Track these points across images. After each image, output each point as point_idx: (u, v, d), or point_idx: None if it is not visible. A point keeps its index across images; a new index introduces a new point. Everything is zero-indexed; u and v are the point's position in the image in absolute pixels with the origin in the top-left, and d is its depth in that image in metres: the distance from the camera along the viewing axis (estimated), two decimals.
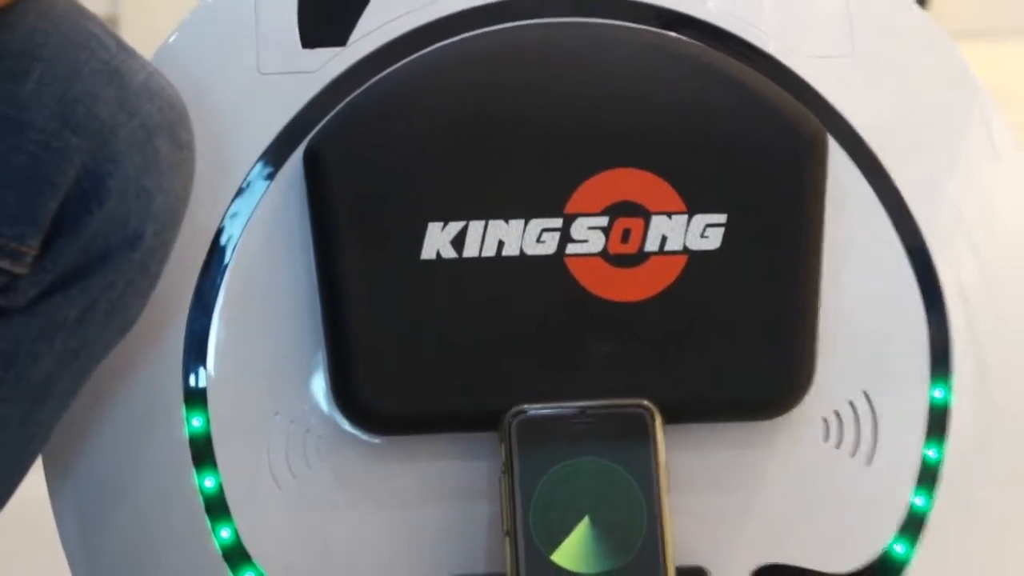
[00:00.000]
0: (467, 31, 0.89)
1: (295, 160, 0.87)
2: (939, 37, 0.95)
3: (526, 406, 0.85)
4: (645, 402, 0.85)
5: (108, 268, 0.76)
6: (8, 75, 0.74)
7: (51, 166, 0.74)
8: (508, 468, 0.84)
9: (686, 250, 0.86)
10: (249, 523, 0.87)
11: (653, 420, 0.85)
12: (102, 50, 0.76)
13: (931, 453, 0.89)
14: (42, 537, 0.91)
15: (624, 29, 0.90)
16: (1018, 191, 0.94)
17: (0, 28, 0.74)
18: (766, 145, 0.87)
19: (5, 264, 0.74)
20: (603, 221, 0.86)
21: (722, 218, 0.86)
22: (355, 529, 0.87)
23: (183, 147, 0.78)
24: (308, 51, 0.89)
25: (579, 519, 0.84)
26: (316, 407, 0.87)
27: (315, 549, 0.87)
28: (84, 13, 0.78)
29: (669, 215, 0.86)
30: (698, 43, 0.90)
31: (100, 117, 0.75)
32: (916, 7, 0.97)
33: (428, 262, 0.86)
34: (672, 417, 0.86)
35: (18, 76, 0.74)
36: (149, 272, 0.79)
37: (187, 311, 0.87)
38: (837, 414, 0.89)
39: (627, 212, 0.86)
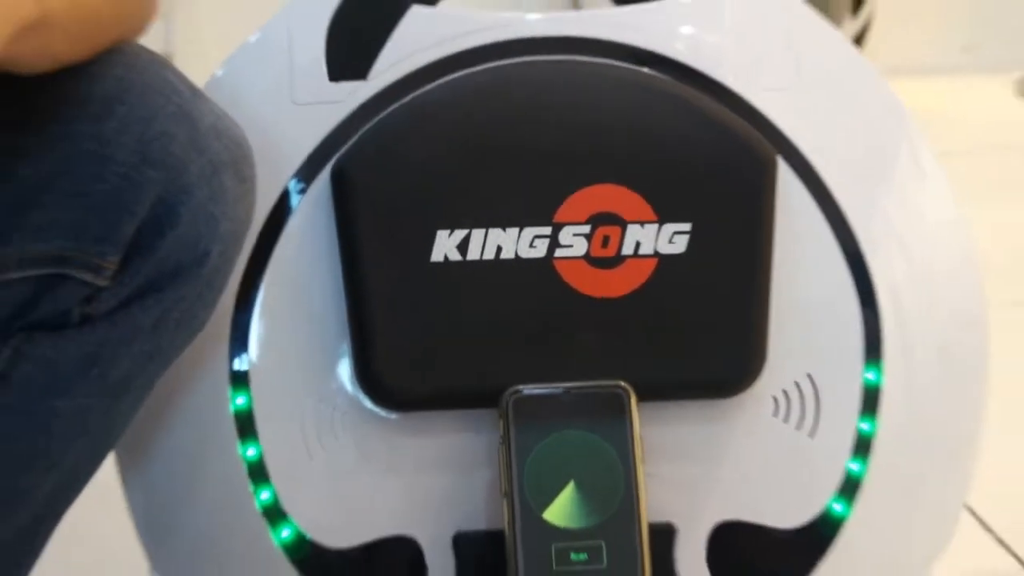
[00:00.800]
0: (470, 67, 0.89)
1: (323, 177, 0.87)
2: (872, 72, 0.95)
3: (521, 386, 0.85)
4: (622, 383, 0.85)
5: (179, 283, 0.76)
6: (96, 117, 0.73)
7: (130, 194, 0.73)
8: (505, 439, 0.84)
9: (657, 254, 0.86)
10: (285, 486, 0.87)
11: (629, 398, 0.85)
12: (177, 96, 0.76)
13: (865, 427, 0.89)
14: (111, 497, 0.90)
15: (605, 66, 0.90)
16: (939, 203, 0.94)
17: (92, 77, 0.74)
18: (725, 164, 0.87)
19: (89, 278, 0.74)
20: (586, 229, 0.86)
21: (687, 226, 0.86)
22: (374, 491, 0.87)
23: (246, 180, 0.78)
24: (335, 84, 0.88)
25: (566, 482, 0.84)
26: (342, 388, 0.87)
27: (341, 508, 0.87)
28: (164, 64, 0.78)
29: (642, 224, 0.86)
30: (667, 78, 0.89)
31: (174, 154, 0.74)
32: (852, 47, 0.97)
33: (437, 264, 0.85)
34: (645, 395, 0.86)
35: (104, 117, 0.74)
36: (214, 286, 0.79)
37: (232, 307, 0.87)
38: (785, 393, 0.89)
39: (606, 221, 0.86)
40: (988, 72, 2.45)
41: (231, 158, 0.77)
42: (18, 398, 0.75)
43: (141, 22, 0.79)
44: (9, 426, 0.75)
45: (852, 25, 2.15)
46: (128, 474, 0.90)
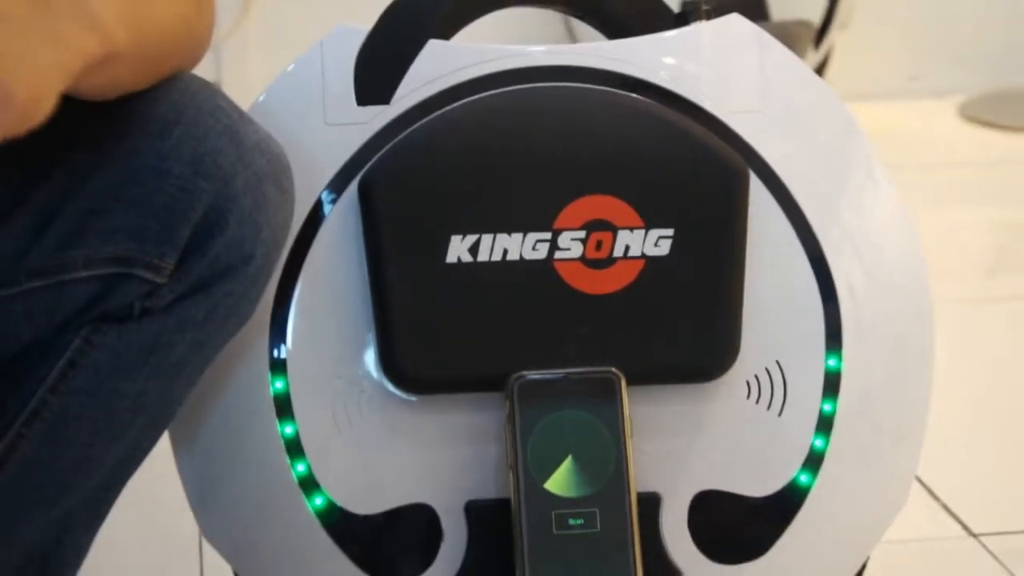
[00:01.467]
0: (480, 93, 0.88)
1: (352, 189, 0.87)
2: (831, 97, 0.94)
3: (525, 372, 0.85)
4: (614, 369, 0.85)
5: (227, 280, 0.76)
6: (156, 135, 0.74)
7: (185, 203, 0.73)
8: (511, 419, 0.84)
9: (644, 256, 0.86)
10: (318, 460, 0.86)
11: (620, 382, 0.85)
12: (225, 117, 0.76)
13: (826, 407, 0.89)
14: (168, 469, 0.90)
15: (598, 92, 0.89)
16: (890, 211, 0.94)
17: (153, 101, 0.74)
18: (703, 177, 0.87)
19: (150, 276, 0.74)
20: (582, 234, 0.86)
21: (671, 232, 0.86)
22: (396, 464, 0.87)
23: (285, 191, 0.78)
24: (361, 108, 0.88)
25: (564, 456, 0.84)
26: (367, 373, 0.86)
27: (366, 478, 0.87)
28: (214, 90, 0.78)
29: (631, 229, 0.86)
30: (652, 102, 0.89)
31: (223, 168, 0.74)
32: (814, 74, 0.97)
33: (451, 265, 0.85)
34: (634, 380, 0.85)
35: (163, 136, 0.74)
36: (258, 284, 0.78)
37: (272, 303, 0.86)
38: (756, 378, 0.88)
39: (600, 227, 0.86)
40: (932, 97, 2.45)
41: (272, 171, 0.76)
42: (87, 381, 0.75)
43: (195, 55, 0.79)
44: (80, 406, 0.75)
45: (814, 57, 2.14)
46: (180, 448, 0.89)
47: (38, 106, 0.63)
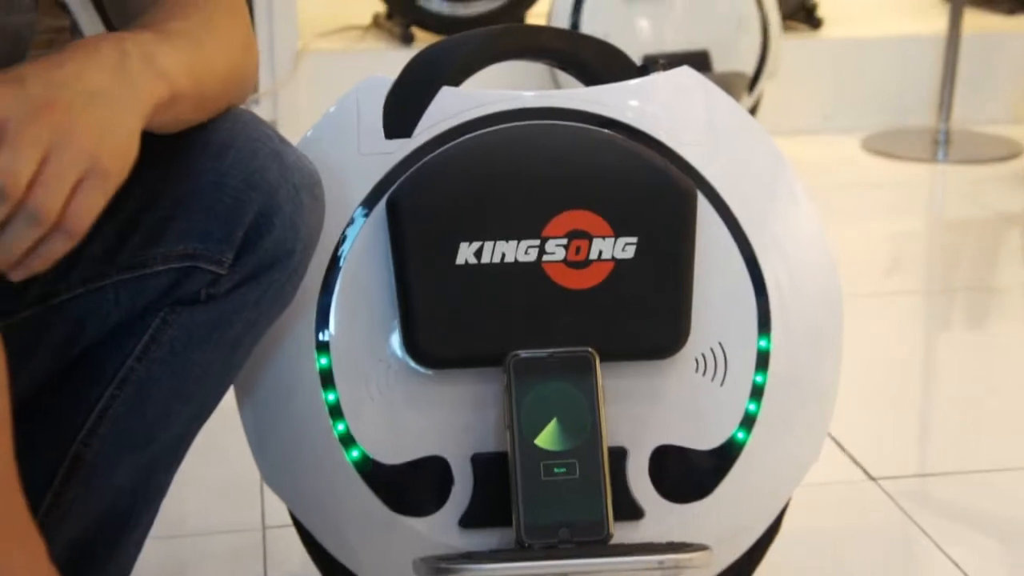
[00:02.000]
0: (483, 129, 0.88)
1: (381, 205, 0.86)
2: (762, 132, 0.94)
3: (519, 351, 0.84)
4: (590, 349, 0.85)
5: (274, 271, 0.75)
6: (215, 157, 0.73)
7: (239, 211, 0.73)
8: (508, 388, 0.84)
9: (614, 258, 0.85)
10: (354, 421, 0.86)
11: (595, 360, 0.84)
12: (269, 141, 0.75)
13: (758, 379, 0.89)
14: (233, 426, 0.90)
15: (577, 127, 0.89)
16: (808, 223, 0.93)
17: (212, 130, 0.74)
18: (660, 195, 0.86)
19: (213, 268, 0.74)
20: (564, 241, 0.85)
21: (635, 239, 0.85)
22: (416, 424, 0.86)
23: (317, 200, 0.77)
24: (389, 140, 0.87)
25: (550, 418, 0.83)
26: (393, 352, 0.86)
27: (393, 435, 0.86)
28: (260, 120, 0.78)
29: (603, 238, 0.85)
30: (620, 136, 0.89)
31: (269, 181, 0.74)
32: (748, 114, 0.97)
33: (460, 266, 0.84)
34: (606, 357, 0.85)
35: (220, 157, 0.73)
36: (298, 274, 0.78)
37: (317, 296, 0.86)
38: (703, 356, 0.88)
39: (579, 236, 0.85)
40: (840, 133, 2.46)
41: (307, 184, 0.76)
42: (165, 353, 0.75)
43: (244, 94, 0.79)
44: (159, 372, 0.76)
45: (748, 100, 2.14)
46: (245, 411, 0.89)
47: (126, 167, 0.63)
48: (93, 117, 0.61)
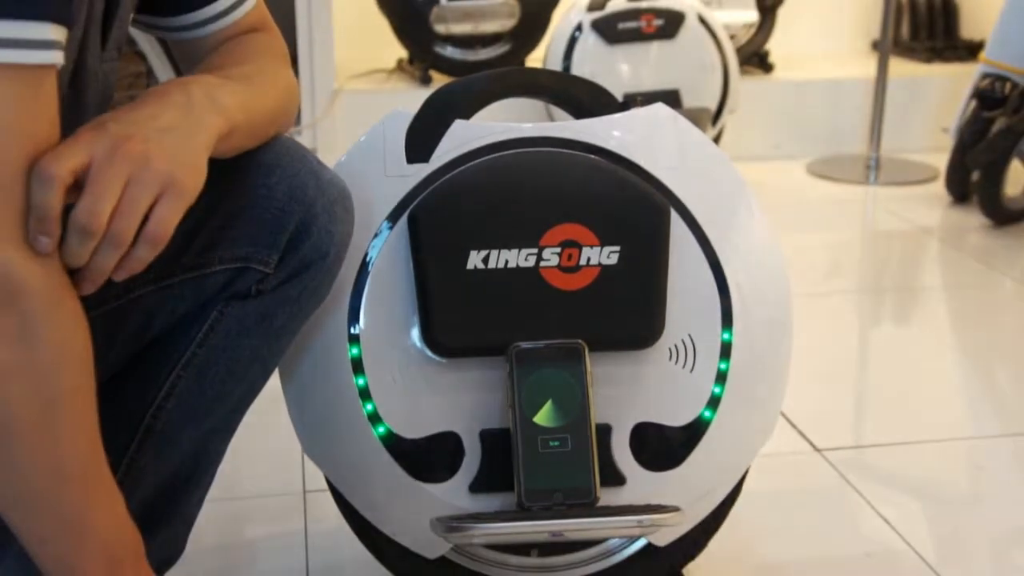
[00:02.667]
0: (488, 155, 0.87)
1: (403, 219, 0.85)
2: (724, 158, 0.93)
3: (519, 343, 0.83)
4: (580, 341, 0.83)
5: (312, 271, 0.75)
6: (264, 175, 0.73)
7: (284, 220, 0.73)
8: (510, 374, 0.82)
9: (600, 264, 0.84)
10: (381, 401, 0.85)
11: (584, 350, 0.83)
12: (308, 163, 0.75)
13: (722, 366, 0.87)
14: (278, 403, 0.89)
15: (569, 153, 0.88)
16: (763, 234, 0.92)
17: (261, 152, 0.74)
18: (639, 211, 0.85)
19: (261, 268, 0.73)
20: (558, 250, 0.84)
21: (618, 248, 0.84)
22: (432, 404, 0.85)
23: (348, 211, 0.77)
24: (410, 164, 0.86)
25: (546, 400, 0.82)
26: (413, 343, 0.85)
27: (413, 414, 0.85)
28: (300, 145, 0.77)
29: (591, 246, 0.84)
30: (605, 161, 0.87)
31: (308, 195, 0.73)
32: (712, 143, 0.96)
33: (470, 270, 0.83)
34: (593, 348, 0.84)
35: (268, 176, 0.73)
36: (332, 273, 0.77)
37: (349, 294, 0.84)
38: (675, 346, 0.87)
39: (570, 245, 0.84)
40: (788, 160, 2.46)
41: (339, 198, 0.76)
42: (221, 339, 0.75)
43: (287, 125, 0.78)
44: (217, 357, 0.75)
45: (712, 131, 2.14)
46: (288, 392, 0.88)
47: (198, 185, 0.64)
48: (166, 145, 0.62)
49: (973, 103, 2.03)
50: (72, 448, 0.62)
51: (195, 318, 0.75)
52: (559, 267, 0.84)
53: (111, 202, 0.59)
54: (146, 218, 0.61)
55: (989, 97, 1.98)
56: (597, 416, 0.84)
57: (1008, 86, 1.97)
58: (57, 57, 0.58)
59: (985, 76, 2.02)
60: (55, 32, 0.57)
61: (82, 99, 0.69)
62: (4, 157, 0.57)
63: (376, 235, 0.85)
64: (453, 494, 0.85)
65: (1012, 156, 1.95)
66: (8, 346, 0.58)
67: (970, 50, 2.61)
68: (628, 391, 0.86)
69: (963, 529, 1.11)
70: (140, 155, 0.60)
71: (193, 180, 0.63)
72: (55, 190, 0.57)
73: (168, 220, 0.61)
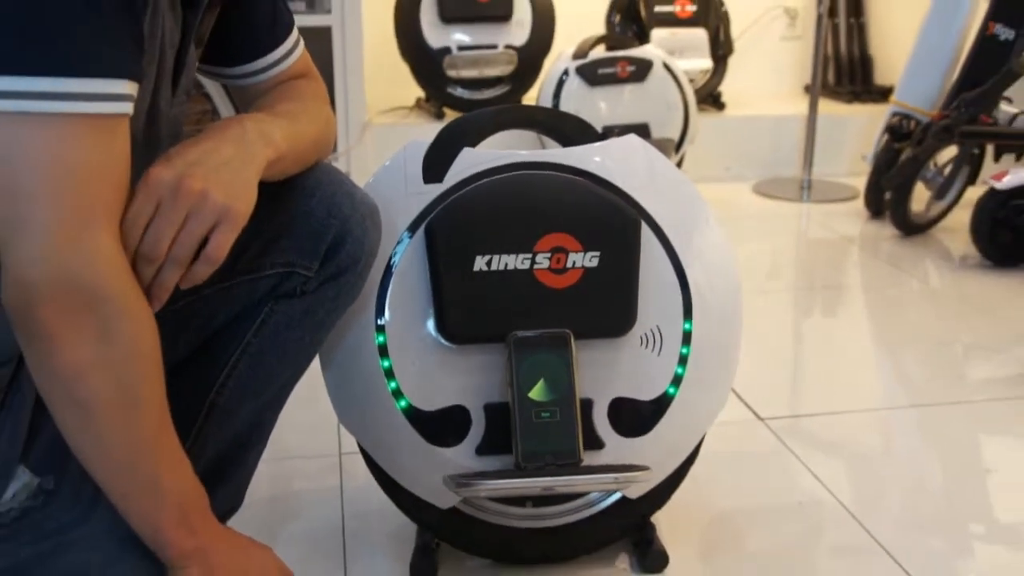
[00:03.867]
0: (491, 177, 0.86)
1: (421, 230, 0.84)
2: (685, 180, 0.91)
3: (517, 332, 0.82)
4: (567, 330, 0.82)
5: (346, 275, 0.74)
6: (306, 196, 0.72)
7: (323, 232, 0.72)
8: (509, 358, 0.81)
9: (583, 267, 0.83)
10: (403, 380, 0.84)
11: (570, 338, 0.82)
12: (344, 185, 0.74)
13: (684, 351, 0.86)
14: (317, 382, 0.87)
15: (559, 175, 0.87)
16: (718, 241, 0.90)
17: (303, 176, 0.73)
18: (616, 222, 0.84)
19: (304, 272, 0.72)
20: (549, 255, 0.83)
21: (598, 253, 0.83)
22: (445, 383, 0.84)
23: (376, 225, 0.76)
24: (426, 184, 0.85)
25: (539, 378, 0.81)
26: (429, 332, 0.84)
27: (429, 390, 0.84)
28: (336, 169, 0.76)
29: (576, 252, 0.83)
30: (588, 181, 0.86)
31: (343, 212, 0.72)
32: (675, 167, 0.94)
33: (476, 271, 0.82)
34: (578, 336, 0.83)
35: (310, 195, 0.72)
36: (362, 278, 0.76)
37: (376, 291, 0.83)
38: (646, 335, 0.86)
39: (559, 251, 0.83)
40: (737, 181, 2.44)
41: (370, 213, 0.75)
42: (272, 330, 0.74)
43: (327, 152, 0.77)
44: (268, 344, 0.74)
45: (675, 157, 2.13)
46: (327, 370, 0.87)
47: (249, 209, 0.63)
48: (222, 179, 0.62)
49: (885, 136, 2.07)
50: (145, 424, 0.62)
51: (250, 313, 0.74)
52: (550, 269, 0.83)
53: (171, 235, 0.60)
54: (206, 240, 0.62)
55: (898, 131, 2.03)
56: (581, 392, 0.83)
57: (913, 123, 2.02)
58: (128, 108, 0.58)
59: (895, 115, 2.06)
60: (128, 87, 0.57)
61: (156, 136, 0.69)
62: (87, 189, 0.57)
63: (398, 243, 0.84)
64: (462, 456, 0.84)
65: (916, 179, 1.97)
66: (91, 344, 0.58)
67: (882, 94, 2.62)
68: (606, 371, 0.85)
69: (876, 481, 1.10)
70: (199, 193, 0.60)
71: (245, 207, 0.62)
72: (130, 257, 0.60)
73: (223, 244, 0.62)
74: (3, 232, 0.55)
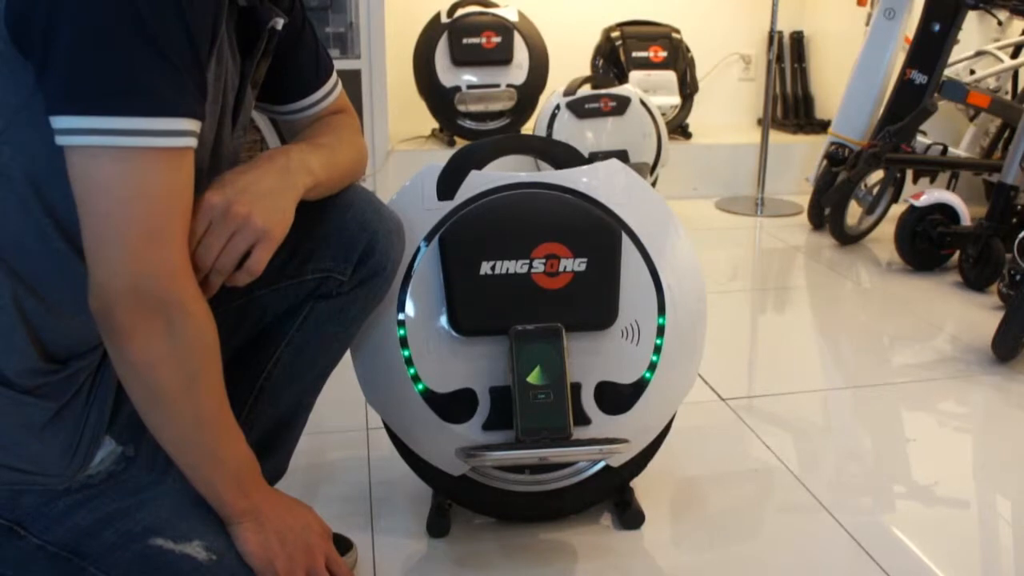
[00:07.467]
0: (495, 195, 0.85)
1: (435, 240, 0.83)
2: (659, 198, 0.90)
3: (517, 325, 0.81)
4: (559, 324, 0.82)
5: (375, 280, 0.73)
6: (341, 212, 0.71)
7: (355, 243, 0.71)
8: (511, 348, 0.81)
9: (573, 271, 0.82)
10: (420, 366, 0.83)
11: (562, 331, 0.81)
12: (373, 202, 0.74)
13: (658, 342, 0.86)
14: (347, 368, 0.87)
15: (553, 193, 0.86)
16: (686, 249, 0.90)
17: (339, 196, 0.72)
18: (600, 233, 0.83)
19: (340, 277, 0.72)
20: (544, 260, 0.82)
21: (586, 260, 0.82)
22: (456, 368, 0.83)
23: (401, 237, 0.76)
24: (440, 201, 0.84)
25: (536, 365, 0.81)
26: (442, 326, 0.83)
27: (442, 375, 0.83)
28: (368, 191, 0.75)
29: (567, 258, 0.82)
30: (577, 199, 0.85)
31: (373, 226, 0.72)
32: (650, 187, 0.94)
33: (482, 275, 0.82)
34: (569, 329, 0.82)
35: (344, 212, 0.71)
36: (389, 281, 0.76)
37: (398, 292, 0.83)
38: (626, 328, 0.85)
39: (552, 257, 0.82)
40: (703, 199, 2.43)
41: (395, 228, 0.74)
42: (312, 326, 0.74)
43: (358, 176, 0.76)
44: (309, 338, 0.74)
45: (650, 179, 2.12)
46: (356, 358, 0.86)
47: (285, 231, 0.63)
48: (264, 206, 0.62)
49: (824, 162, 2.10)
50: (206, 406, 0.62)
51: (294, 311, 0.73)
52: (544, 272, 0.82)
53: (218, 249, 0.61)
54: (248, 254, 0.62)
55: (835, 158, 2.06)
56: (571, 376, 0.82)
57: (847, 151, 2.06)
58: (192, 142, 0.58)
59: (832, 144, 2.09)
60: (192, 124, 0.58)
61: (220, 164, 0.69)
62: (157, 210, 0.57)
63: (416, 251, 0.83)
64: (471, 431, 0.83)
65: (850, 198, 1.99)
66: (161, 341, 0.58)
67: (822, 126, 2.64)
68: (593, 359, 0.84)
69: (818, 451, 1.10)
70: (243, 216, 0.61)
71: (280, 230, 0.62)
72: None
73: (261, 259, 0.62)
74: (90, 247, 0.57)
